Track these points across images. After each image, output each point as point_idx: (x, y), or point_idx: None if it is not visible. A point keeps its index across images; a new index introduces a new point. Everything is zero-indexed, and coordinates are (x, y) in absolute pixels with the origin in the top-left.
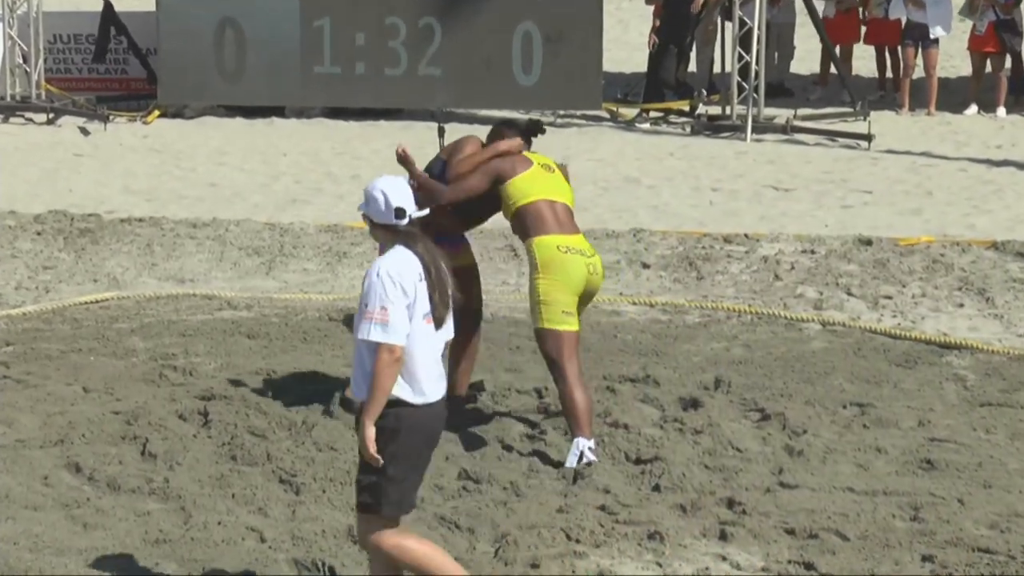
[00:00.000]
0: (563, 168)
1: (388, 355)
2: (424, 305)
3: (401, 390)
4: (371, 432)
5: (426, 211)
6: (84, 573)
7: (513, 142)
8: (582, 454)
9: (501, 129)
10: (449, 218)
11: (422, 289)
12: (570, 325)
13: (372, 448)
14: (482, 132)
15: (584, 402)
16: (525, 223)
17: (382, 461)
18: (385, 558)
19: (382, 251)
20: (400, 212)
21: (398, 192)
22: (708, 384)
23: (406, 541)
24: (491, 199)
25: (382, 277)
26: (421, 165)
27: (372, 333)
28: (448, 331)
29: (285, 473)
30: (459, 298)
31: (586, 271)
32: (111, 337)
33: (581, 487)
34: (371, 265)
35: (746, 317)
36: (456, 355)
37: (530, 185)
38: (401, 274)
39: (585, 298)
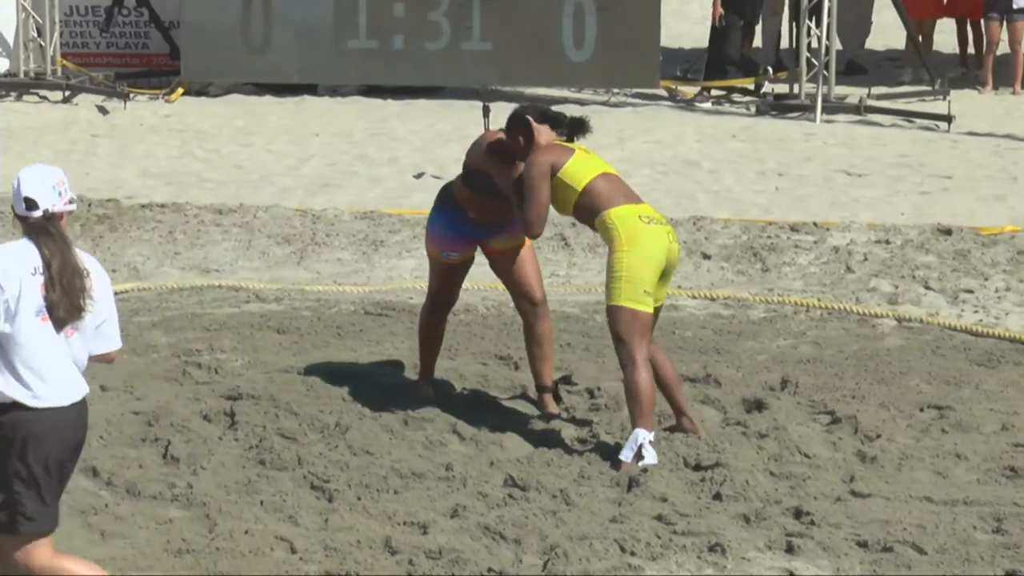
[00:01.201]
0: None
1: None
2: (34, 301)
3: (14, 391)
4: None
5: (72, 207)
6: None
7: (543, 131)
8: (640, 448)
9: (526, 119)
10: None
11: (33, 283)
12: (647, 306)
13: None
14: None
15: (649, 391)
16: (592, 202)
17: None
18: None
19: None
20: (30, 203)
21: (34, 182)
22: (774, 384)
23: (62, 561)
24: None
25: None
26: (462, 146)
27: None
28: (98, 341)
29: (317, 479)
30: (529, 290)
31: (667, 240)
32: (131, 331)
33: (636, 495)
34: None
35: (815, 312)
36: (528, 345)
37: (581, 168)
38: (5, 264)
39: (666, 275)
